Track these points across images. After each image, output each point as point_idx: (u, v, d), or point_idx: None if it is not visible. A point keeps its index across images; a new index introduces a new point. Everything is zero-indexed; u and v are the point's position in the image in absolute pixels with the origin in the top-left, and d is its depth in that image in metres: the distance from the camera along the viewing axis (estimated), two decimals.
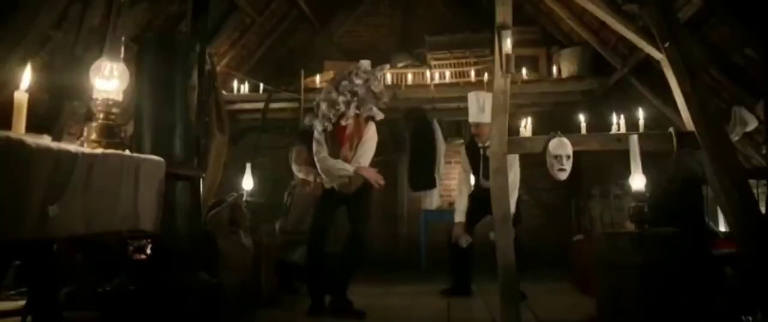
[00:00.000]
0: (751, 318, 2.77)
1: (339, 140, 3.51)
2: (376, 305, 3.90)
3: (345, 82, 3.50)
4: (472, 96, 4.16)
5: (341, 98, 3.44)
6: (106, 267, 3.06)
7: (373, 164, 3.62)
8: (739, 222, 2.82)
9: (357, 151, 3.51)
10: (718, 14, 3.73)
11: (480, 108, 4.01)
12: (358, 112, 3.48)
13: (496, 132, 3.06)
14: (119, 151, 1.75)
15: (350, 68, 3.60)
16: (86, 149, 1.60)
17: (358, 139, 3.53)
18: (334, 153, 3.49)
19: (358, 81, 3.49)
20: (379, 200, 4.46)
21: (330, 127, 3.48)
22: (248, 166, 4.61)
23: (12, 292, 3.48)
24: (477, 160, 4.19)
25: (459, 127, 6.50)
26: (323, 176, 3.53)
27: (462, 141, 6.51)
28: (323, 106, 3.49)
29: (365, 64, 3.62)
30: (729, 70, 4.07)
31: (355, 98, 3.46)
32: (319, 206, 3.63)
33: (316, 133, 3.55)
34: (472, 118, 4.11)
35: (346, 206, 3.58)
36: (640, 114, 3.12)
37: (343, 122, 3.47)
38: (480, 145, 4.14)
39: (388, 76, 5.73)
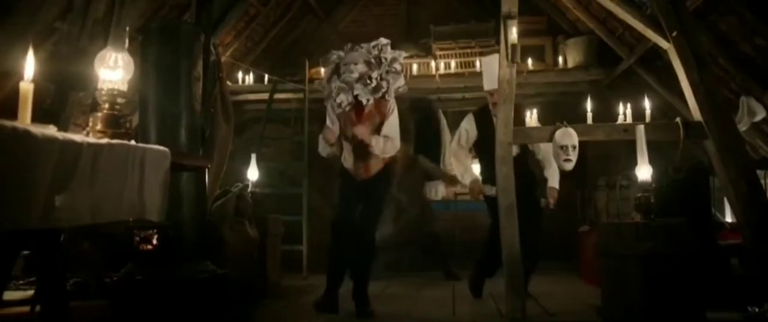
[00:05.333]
0: (757, 309, 2.77)
1: (355, 119, 3.29)
2: (380, 294, 3.92)
3: (367, 57, 3.27)
4: (486, 61, 3.70)
5: (375, 73, 3.22)
6: (113, 257, 3.09)
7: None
8: (746, 213, 2.81)
9: (383, 129, 3.29)
10: (727, 3, 3.69)
11: (493, 73, 3.46)
12: (384, 90, 3.27)
13: (502, 122, 3.05)
14: (124, 142, 1.75)
15: (375, 43, 3.34)
16: (92, 139, 1.60)
17: (380, 118, 3.31)
18: (349, 132, 3.31)
19: (387, 56, 3.31)
20: None
21: (348, 103, 3.24)
22: (253, 156, 4.62)
23: (21, 281, 3.51)
24: (489, 131, 3.50)
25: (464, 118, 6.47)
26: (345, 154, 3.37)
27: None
28: (349, 78, 3.21)
29: (385, 41, 3.40)
30: (737, 60, 4.03)
31: (386, 75, 3.28)
32: (340, 197, 3.40)
33: (329, 109, 3.36)
34: (489, 85, 3.59)
35: (361, 197, 3.35)
36: (647, 104, 3.10)
37: (363, 100, 3.23)
38: (495, 114, 3.49)
39: None
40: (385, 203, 3.53)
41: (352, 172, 3.37)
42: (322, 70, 3.42)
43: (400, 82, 3.40)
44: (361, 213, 3.35)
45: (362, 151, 3.31)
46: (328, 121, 3.41)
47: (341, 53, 3.38)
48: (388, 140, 3.30)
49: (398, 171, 4.01)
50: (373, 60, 3.27)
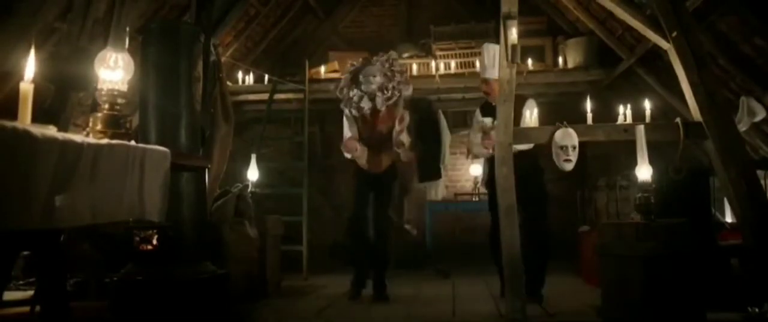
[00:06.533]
0: (757, 309, 2.77)
1: (373, 123, 3.75)
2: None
3: (382, 70, 3.69)
4: (486, 48, 3.69)
5: (390, 84, 3.67)
6: (113, 257, 3.09)
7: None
8: (746, 213, 2.81)
9: (398, 132, 3.74)
10: (727, 3, 3.69)
11: (491, 62, 3.56)
12: (397, 98, 3.70)
13: (502, 122, 3.05)
14: (124, 142, 1.75)
15: (386, 57, 3.79)
16: (92, 140, 1.60)
17: (391, 122, 3.75)
18: (368, 134, 3.78)
19: (397, 69, 3.76)
20: None
21: (368, 109, 3.67)
22: (253, 157, 4.61)
23: (21, 282, 3.52)
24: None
25: (465, 118, 6.48)
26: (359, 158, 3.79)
27: (467, 132, 6.48)
28: (369, 88, 3.64)
29: (395, 55, 3.85)
30: (737, 60, 4.03)
31: (398, 86, 3.71)
32: (355, 192, 3.83)
33: (347, 115, 3.80)
34: (484, 72, 3.67)
35: (374, 188, 3.79)
36: (647, 104, 3.10)
37: (381, 108, 3.66)
38: (495, 104, 3.48)
39: None
40: (394, 192, 4.05)
41: (366, 168, 3.80)
42: (341, 80, 3.89)
43: (409, 90, 3.84)
44: (375, 201, 3.81)
45: (377, 149, 3.78)
46: (346, 130, 3.88)
47: (356, 64, 3.85)
48: (408, 135, 3.87)
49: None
50: (388, 73, 3.71)
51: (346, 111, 3.80)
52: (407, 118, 3.83)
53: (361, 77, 3.69)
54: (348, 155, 3.86)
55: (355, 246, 3.88)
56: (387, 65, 3.72)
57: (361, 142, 3.79)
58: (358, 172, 3.86)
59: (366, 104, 3.65)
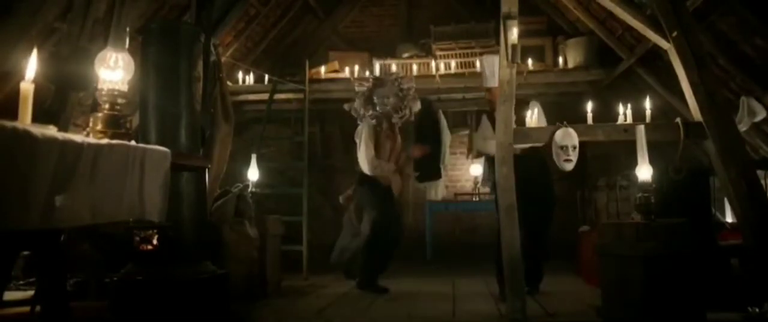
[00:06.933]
0: (757, 309, 2.77)
1: (392, 141, 4.13)
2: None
3: (393, 90, 4.06)
4: (485, 60, 3.89)
5: (402, 103, 4.07)
6: (113, 257, 3.09)
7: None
8: (746, 213, 2.81)
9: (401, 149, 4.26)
10: (727, 3, 3.69)
11: (492, 72, 3.69)
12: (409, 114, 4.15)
13: (502, 122, 3.05)
14: (125, 142, 1.75)
15: (394, 76, 4.27)
16: (92, 140, 1.60)
17: (400, 137, 4.24)
18: (388, 152, 4.11)
19: (406, 86, 4.13)
20: None
21: (387, 127, 4.07)
22: (253, 157, 4.61)
23: (21, 282, 3.52)
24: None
25: (465, 118, 6.48)
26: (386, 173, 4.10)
27: (467, 132, 6.49)
28: (384, 109, 4.02)
29: (402, 74, 4.39)
30: (738, 60, 4.03)
31: (408, 104, 4.12)
32: (383, 203, 4.08)
33: (370, 129, 4.06)
34: (486, 83, 3.85)
35: (390, 198, 4.16)
36: (647, 104, 3.10)
37: (397, 124, 4.12)
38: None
39: (393, 67, 5.73)
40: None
41: (382, 179, 4.09)
42: (356, 101, 4.19)
43: (417, 106, 4.23)
44: (394, 210, 4.20)
45: (394, 164, 4.14)
46: (368, 147, 4.07)
47: (367, 85, 4.20)
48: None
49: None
50: (399, 93, 4.07)
51: (362, 123, 4.11)
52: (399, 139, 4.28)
53: (375, 99, 4.04)
54: (375, 173, 4.07)
55: (381, 247, 4.06)
56: (396, 85, 4.08)
57: (381, 160, 4.11)
58: (375, 185, 4.10)
59: (383, 123, 4.02)
